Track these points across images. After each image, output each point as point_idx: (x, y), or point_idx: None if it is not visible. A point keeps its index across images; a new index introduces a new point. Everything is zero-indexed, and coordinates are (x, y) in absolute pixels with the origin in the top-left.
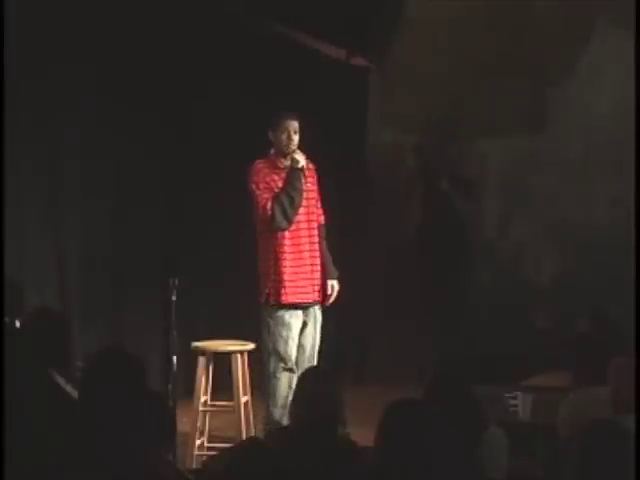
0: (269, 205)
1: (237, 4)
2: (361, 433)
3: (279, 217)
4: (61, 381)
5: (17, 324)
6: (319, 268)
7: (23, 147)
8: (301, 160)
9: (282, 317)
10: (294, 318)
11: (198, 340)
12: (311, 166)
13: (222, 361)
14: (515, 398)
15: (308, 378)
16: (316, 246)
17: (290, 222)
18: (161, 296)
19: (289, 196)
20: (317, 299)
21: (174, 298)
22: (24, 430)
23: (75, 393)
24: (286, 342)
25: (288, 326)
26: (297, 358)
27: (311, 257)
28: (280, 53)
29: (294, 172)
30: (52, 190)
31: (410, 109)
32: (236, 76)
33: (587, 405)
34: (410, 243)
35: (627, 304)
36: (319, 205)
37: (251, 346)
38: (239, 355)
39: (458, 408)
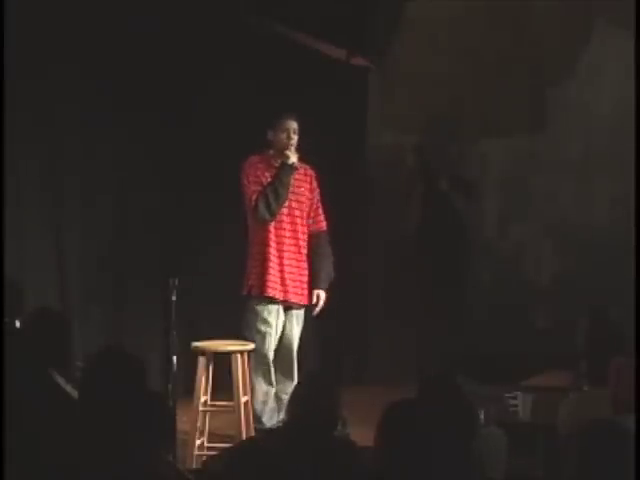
0: (254, 196)
1: (237, 4)
2: (361, 433)
3: (262, 208)
4: (61, 381)
5: (17, 324)
6: (306, 272)
7: (23, 147)
8: (292, 157)
9: (262, 312)
10: (274, 314)
11: (198, 340)
12: (310, 172)
13: (222, 361)
14: (515, 398)
15: (308, 380)
16: (302, 250)
17: (273, 215)
18: (161, 296)
19: (275, 189)
20: (301, 302)
21: (174, 298)
22: (24, 430)
23: (75, 393)
24: (264, 337)
25: (267, 322)
26: (276, 358)
27: (297, 260)
28: (280, 53)
29: (284, 167)
30: (52, 190)
31: (410, 109)
32: (236, 76)
33: (587, 405)
34: (410, 243)
35: (627, 304)
36: (320, 212)
37: (251, 346)
38: (239, 355)
39: (450, 407)
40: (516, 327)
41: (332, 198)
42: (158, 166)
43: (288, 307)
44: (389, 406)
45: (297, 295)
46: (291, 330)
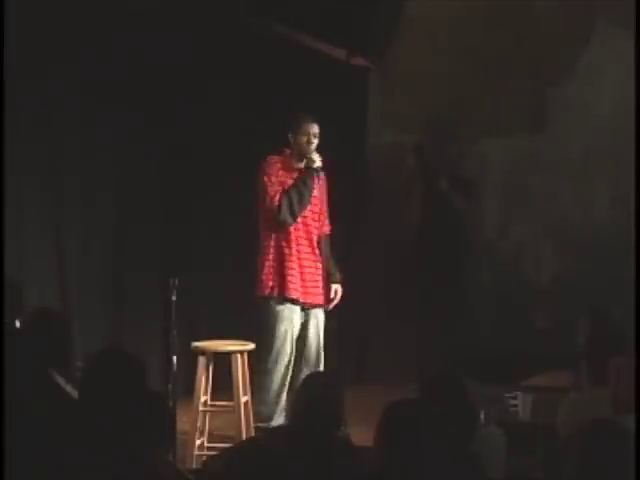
0: (277, 197)
1: (237, 4)
2: (361, 433)
3: (285, 211)
4: (61, 381)
5: (17, 324)
6: (321, 272)
7: (23, 147)
8: (317, 161)
9: (283, 313)
10: (295, 315)
11: (198, 340)
12: (323, 176)
13: (222, 361)
14: (515, 398)
15: (312, 380)
16: (317, 250)
17: (295, 218)
18: (161, 296)
19: (299, 192)
20: (320, 302)
21: (174, 298)
22: (24, 430)
23: (75, 393)
24: (285, 338)
25: (289, 322)
26: (304, 357)
27: (313, 260)
28: (280, 53)
29: (308, 171)
30: (52, 190)
31: (410, 109)
32: (236, 77)
33: (587, 405)
34: (410, 243)
35: (627, 304)
36: (326, 216)
37: (251, 346)
38: (239, 355)
39: (451, 407)
40: (516, 327)
41: (332, 198)
42: (158, 166)
43: (308, 307)
44: (389, 406)
45: (316, 296)
46: (316, 329)
